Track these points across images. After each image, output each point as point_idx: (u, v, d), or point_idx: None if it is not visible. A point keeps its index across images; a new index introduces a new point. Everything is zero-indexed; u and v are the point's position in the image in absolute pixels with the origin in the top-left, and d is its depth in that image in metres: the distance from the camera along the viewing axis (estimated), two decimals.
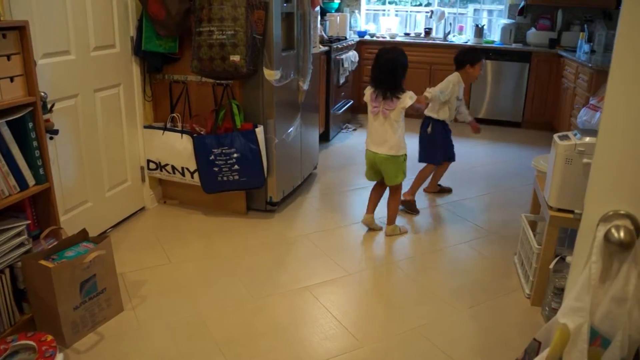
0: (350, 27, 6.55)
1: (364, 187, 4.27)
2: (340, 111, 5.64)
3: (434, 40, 6.67)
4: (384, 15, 7.00)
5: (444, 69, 6.33)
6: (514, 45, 6.42)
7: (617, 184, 1.12)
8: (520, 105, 6.46)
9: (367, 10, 7.10)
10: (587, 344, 1.11)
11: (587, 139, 2.54)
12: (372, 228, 3.57)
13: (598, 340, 1.14)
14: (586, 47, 5.88)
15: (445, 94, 3.90)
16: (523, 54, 6.29)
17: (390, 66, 3.29)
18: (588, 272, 1.11)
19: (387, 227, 3.53)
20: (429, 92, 3.89)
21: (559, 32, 6.43)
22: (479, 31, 6.44)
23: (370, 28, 6.88)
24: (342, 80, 5.59)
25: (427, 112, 4.03)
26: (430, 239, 3.51)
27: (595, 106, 4.64)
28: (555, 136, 2.70)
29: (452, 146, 4.15)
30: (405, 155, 3.39)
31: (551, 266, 2.65)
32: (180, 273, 2.96)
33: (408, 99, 3.24)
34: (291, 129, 3.77)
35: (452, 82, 3.94)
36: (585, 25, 6.07)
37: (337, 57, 5.38)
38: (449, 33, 6.72)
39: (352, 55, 5.81)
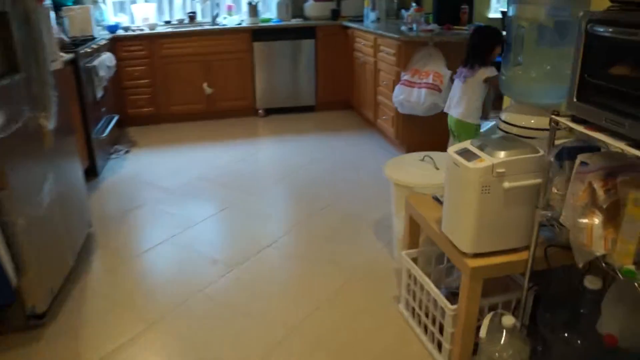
0: (97, 22, 5.11)
1: (165, 240, 3.11)
2: (106, 133, 4.31)
3: (201, 25, 5.57)
4: (134, 2, 5.66)
5: (221, 58, 5.34)
6: (293, 21, 5.63)
7: None
8: (312, 87, 5.75)
9: None
10: None
11: (503, 154, 1.78)
12: None
13: None
14: (372, 16, 5.33)
15: None
16: (306, 29, 5.54)
17: (472, 40, 3.33)
18: None
19: None
20: None
21: (338, 2, 5.81)
22: (252, 9, 5.51)
23: (122, 20, 5.50)
24: (99, 93, 4.24)
25: None
26: (283, 289, 2.53)
27: (411, 82, 4.06)
28: (454, 154, 1.89)
29: None
30: (478, 126, 3.44)
31: (483, 334, 1.88)
32: None
33: (487, 72, 3.24)
34: (42, 192, 2.44)
35: None
36: None
37: (88, 64, 4.01)
38: (217, 15, 5.68)
39: (107, 58, 4.45)
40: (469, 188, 1.80)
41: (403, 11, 5.63)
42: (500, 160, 1.76)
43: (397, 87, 4.13)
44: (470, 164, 1.78)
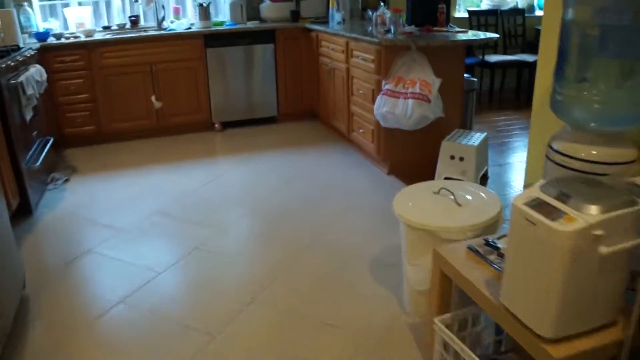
0: (22, 28, 4.41)
1: (120, 301, 2.51)
2: (39, 161, 3.64)
3: (146, 31, 4.94)
4: (67, 6, 4.96)
5: (170, 67, 4.75)
6: (249, 24, 5.08)
7: None
8: (273, 96, 5.21)
9: (42, 1, 4.93)
10: None
11: (596, 209, 1.32)
12: None
13: None
14: (338, 17, 4.84)
15: None
16: (264, 33, 4.99)
17: None
18: None
19: None
20: None
21: (297, 2, 5.29)
22: (203, 12, 4.91)
23: (54, 26, 4.79)
24: (29, 114, 3.58)
25: None
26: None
27: (395, 92, 3.59)
28: (526, 207, 1.41)
29: None
30: None
31: None
32: None
33: None
34: None
35: None
36: None
37: (12, 81, 3.35)
38: (163, 19, 5.05)
39: (36, 71, 3.78)
40: (554, 256, 1.33)
41: (369, 11, 5.17)
42: (596, 218, 1.30)
43: (379, 98, 3.65)
44: (558, 225, 1.31)
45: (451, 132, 3.83)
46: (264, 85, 5.13)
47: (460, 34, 3.90)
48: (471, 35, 3.86)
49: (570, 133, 1.78)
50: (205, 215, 3.37)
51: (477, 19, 6.40)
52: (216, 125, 5.12)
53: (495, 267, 1.72)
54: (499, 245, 1.86)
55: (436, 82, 3.54)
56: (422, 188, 2.39)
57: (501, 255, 1.80)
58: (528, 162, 2.31)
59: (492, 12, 6.48)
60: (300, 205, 3.48)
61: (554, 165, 1.78)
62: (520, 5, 6.74)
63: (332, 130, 4.95)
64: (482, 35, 3.80)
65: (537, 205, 1.40)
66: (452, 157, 3.67)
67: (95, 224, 3.31)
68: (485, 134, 3.85)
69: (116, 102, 4.73)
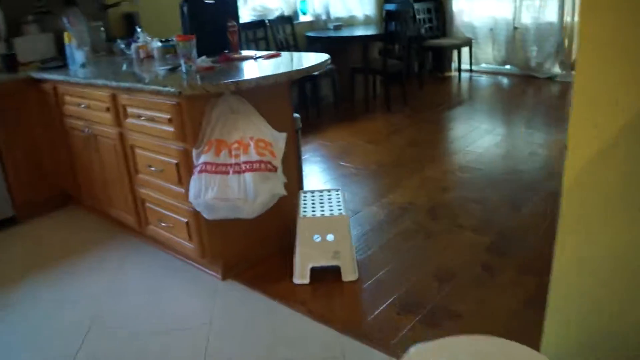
0: None
1: None
2: None
3: None
4: None
5: None
6: None
7: None
8: (1, 187, 3.44)
9: None
10: None
11: None
12: None
13: None
14: (80, 57, 3.32)
15: None
16: None
17: None
18: None
19: None
20: None
21: (8, 42, 3.58)
22: None
23: None
24: None
25: None
26: None
27: (218, 164, 2.33)
28: None
29: None
30: None
31: None
32: None
33: None
34: None
35: None
36: (64, 21, 3.44)
37: None
38: None
39: None
40: None
41: (119, 43, 3.76)
42: None
43: (196, 179, 2.31)
44: None
45: (297, 197, 2.70)
46: None
47: (273, 59, 2.78)
48: (298, 59, 2.75)
49: None
50: None
51: (246, 33, 5.35)
52: None
53: None
54: None
55: (280, 139, 2.36)
56: None
57: None
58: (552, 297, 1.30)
59: (261, 24, 5.50)
60: None
61: None
62: (286, 13, 5.88)
63: (106, 219, 3.40)
64: (321, 59, 2.70)
65: None
66: (317, 237, 2.53)
67: None
68: (339, 190, 2.79)
69: None
